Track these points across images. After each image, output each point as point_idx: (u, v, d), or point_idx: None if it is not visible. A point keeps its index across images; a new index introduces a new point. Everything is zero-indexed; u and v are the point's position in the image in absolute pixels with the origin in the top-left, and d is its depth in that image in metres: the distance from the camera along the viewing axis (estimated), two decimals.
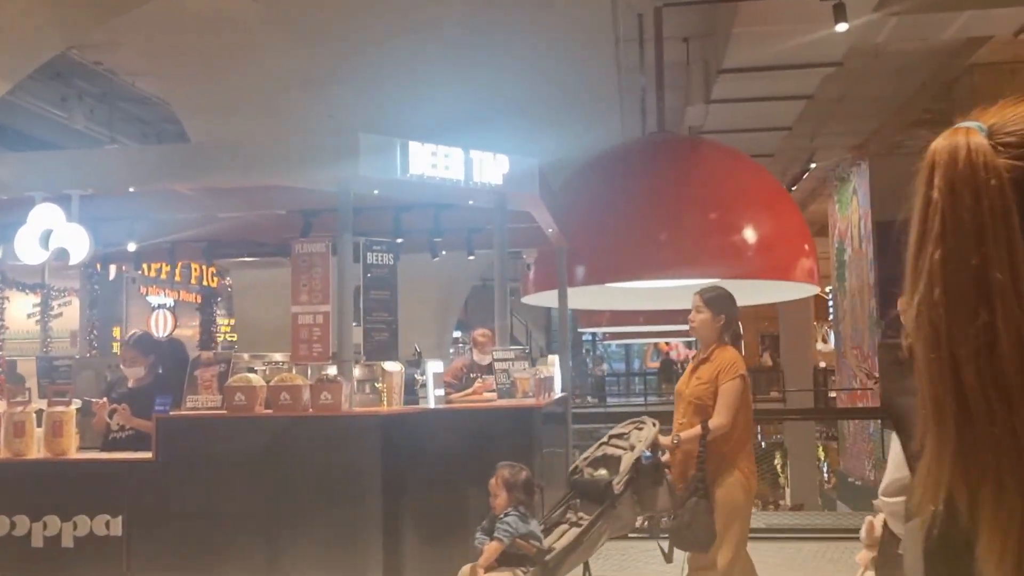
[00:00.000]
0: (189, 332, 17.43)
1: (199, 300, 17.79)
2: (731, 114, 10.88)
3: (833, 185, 18.97)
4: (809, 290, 8.40)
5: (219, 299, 18.13)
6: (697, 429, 4.01)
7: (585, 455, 4.21)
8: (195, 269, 17.01)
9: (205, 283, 17.76)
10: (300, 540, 4.16)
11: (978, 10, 8.15)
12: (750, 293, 8.82)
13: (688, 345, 30.45)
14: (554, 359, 5.94)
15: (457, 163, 4.63)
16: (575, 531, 3.86)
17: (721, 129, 11.15)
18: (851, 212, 17.97)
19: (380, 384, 4.89)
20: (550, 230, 6.18)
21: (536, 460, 4.62)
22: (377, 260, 4.80)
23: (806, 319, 23.12)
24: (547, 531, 3.92)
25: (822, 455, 23.92)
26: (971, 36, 9.46)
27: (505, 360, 4.93)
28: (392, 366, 4.90)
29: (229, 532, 4.25)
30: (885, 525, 1.64)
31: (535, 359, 5.61)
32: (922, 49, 11.31)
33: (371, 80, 8.89)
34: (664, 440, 4.14)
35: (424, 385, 4.94)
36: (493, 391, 6.10)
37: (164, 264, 14.03)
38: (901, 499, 1.50)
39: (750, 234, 7.51)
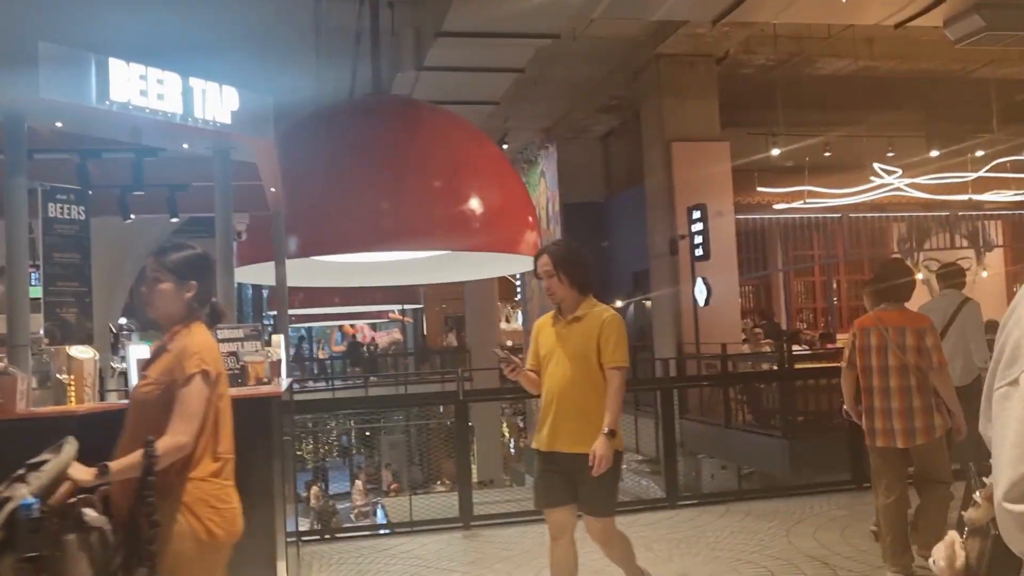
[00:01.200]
0: None
1: None
2: (441, 84, 10.50)
3: (522, 167, 19.45)
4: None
5: None
6: (137, 455, 2.64)
7: None
8: None
9: None
10: None
11: None
12: (476, 267, 8.49)
13: (373, 327, 29.89)
14: (279, 340, 5.11)
15: (174, 92, 3.65)
16: None
17: (429, 99, 10.74)
18: (539, 194, 18.51)
19: (65, 376, 3.80)
20: (272, 189, 5.31)
21: (276, 457, 3.86)
22: (62, 214, 3.69)
23: (491, 299, 23.61)
24: None
25: (506, 432, 24.66)
26: (673, 20, 9.83)
27: (232, 340, 4.03)
28: (82, 352, 3.83)
29: None
30: (995, 541, 1.19)
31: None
32: (615, 36, 11.72)
33: None
34: (80, 474, 2.64)
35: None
36: None
37: None
38: None
39: (478, 204, 7.11)
